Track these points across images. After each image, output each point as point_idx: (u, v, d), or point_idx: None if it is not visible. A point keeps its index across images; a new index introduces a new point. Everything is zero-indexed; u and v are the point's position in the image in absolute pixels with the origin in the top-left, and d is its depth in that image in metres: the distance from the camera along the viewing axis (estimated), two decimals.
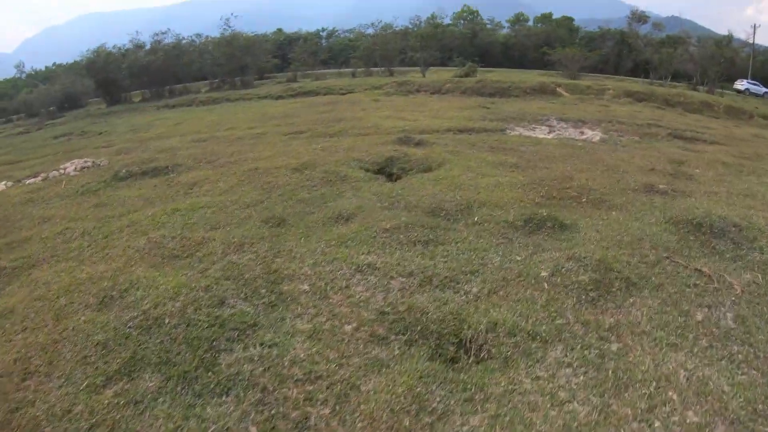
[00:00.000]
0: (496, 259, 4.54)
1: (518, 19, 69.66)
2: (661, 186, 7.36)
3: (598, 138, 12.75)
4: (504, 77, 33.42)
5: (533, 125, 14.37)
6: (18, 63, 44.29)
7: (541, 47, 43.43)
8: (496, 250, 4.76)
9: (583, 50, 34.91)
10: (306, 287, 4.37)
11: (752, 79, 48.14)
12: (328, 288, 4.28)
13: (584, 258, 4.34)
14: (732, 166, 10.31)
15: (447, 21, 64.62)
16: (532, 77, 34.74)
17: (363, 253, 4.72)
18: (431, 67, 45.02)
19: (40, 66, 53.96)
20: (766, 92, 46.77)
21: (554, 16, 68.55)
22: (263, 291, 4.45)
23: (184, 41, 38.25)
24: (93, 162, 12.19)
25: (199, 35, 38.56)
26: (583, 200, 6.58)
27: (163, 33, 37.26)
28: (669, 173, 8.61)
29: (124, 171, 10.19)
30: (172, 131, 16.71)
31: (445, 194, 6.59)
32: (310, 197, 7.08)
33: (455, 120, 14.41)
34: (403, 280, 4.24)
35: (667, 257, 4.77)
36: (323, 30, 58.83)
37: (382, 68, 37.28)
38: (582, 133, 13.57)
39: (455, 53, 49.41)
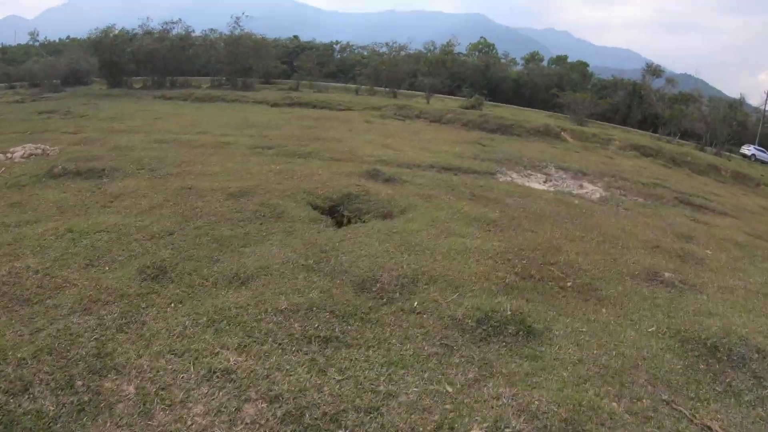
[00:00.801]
0: (415, 387, 3.07)
1: (533, 58, 69.12)
2: (666, 274, 5.96)
3: (598, 195, 11.38)
4: (510, 114, 32.36)
5: (529, 171, 13.03)
6: (32, 31, 43.30)
7: (552, 88, 42.43)
8: (422, 368, 3.30)
9: (593, 96, 33.78)
10: (132, 390, 2.95)
11: (759, 146, 47.33)
12: (157, 399, 2.85)
13: (544, 415, 2.86)
14: (746, 248, 8.95)
15: (462, 50, 64.23)
16: (539, 118, 33.65)
17: (228, 348, 3.27)
18: (439, 95, 44.02)
19: (57, 37, 52.95)
20: None
21: (569, 60, 68.19)
22: (79, 383, 3.10)
23: (194, 34, 36.92)
24: (43, 150, 10.99)
25: (213, 30, 37.34)
26: (568, 285, 5.18)
27: (173, 22, 36.08)
28: (676, 253, 7.20)
29: (60, 167, 8.96)
30: (146, 126, 15.47)
31: (390, 257, 5.17)
32: (229, 236, 5.68)
33: (443, 155, 13.08)
34: (263, 406, 2.80)
35: (668, 402, 3.32)
36: (337, 43, 58.06)
37: (387, 89, 36.13)
38: (581, 186, 12.22)
39: (466, 84, 48.53)
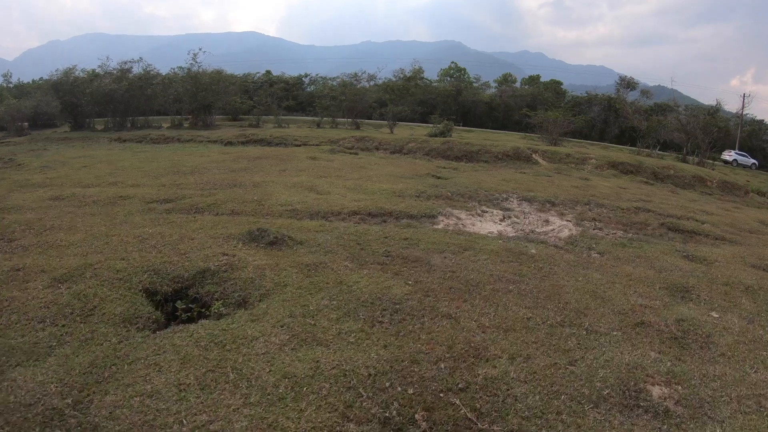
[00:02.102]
0: None
1: (505, 80, 68.29)
2: (655, 391, 3.70)
3: (566, 233, 9.17)
4: (481, 138, 30.55)
5: (484, 207, 10.83)
6: (6, 72, 42.54)
7: (525, 109, 40.93)
8: None
9: (566, 114, 32.05)
10: None
11: (739, 150, 46.24)
12: None
13: None
14: (758, 294, 6.80)
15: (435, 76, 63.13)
16: (511, 140, 31.89)
17: None
18: (410, 123, 42.39)
19: (34, 78, 51.85)
20: (753, 163, 44.82)
21: (543, 79, 67.32)
22: None
23: (152, 72, 35.63)
24: None
25: (182, 68, 35.69)
26: None
27: (133, 62, 34.89)
28: (671, 334, 4.97)
29: None
30: (63, 178, 13.46)
31: (178, 403, 2.88)
32: (13, 347, 3.59)
33: (378, 196, 10.88)
34: None
35: None
36: (306, 75, 56.61)
37: (349, 120, 34.31)
38: (547, 222, 10.01)
39: (438, 110, 47.08)
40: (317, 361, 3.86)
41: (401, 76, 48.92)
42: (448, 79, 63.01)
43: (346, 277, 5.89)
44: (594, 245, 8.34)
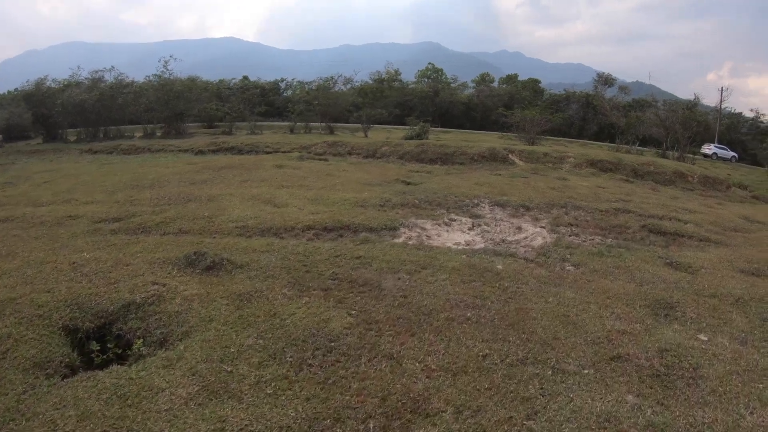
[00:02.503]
0: None
1: (483, 80, 67.87)
2: None
3: (539, 242, 8.41)
4: (459, 139, 29.93)
5: (452, 215, 10.05)
6: None
7: (501, 108, 40.37)
8: None
9: (543, 112, 31.46)
10: None
11: (719, 143, 46.24)
12: None
13: None
14: (749, 306, 6.14)
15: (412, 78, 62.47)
16: (489, 140, 31.30)
17: None
18: (387, 126, 41.63)
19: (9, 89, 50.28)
20: (733, 156, 44.80)
21: (521, 78, 67.01)
22: None
23: (124, 81, 34.68)
24: None
25: (158, 75, 34.57)
26: None
27: (104, 70, 33.92)
28: (653, 370, 4.20)
29: None
30: (20, 195, 12.65)
31: None
32: None
33: (339, 207, 10.09)
34: None
35: None
36: (282, 80, 55.57)
37: (323, 124, 33.43)
38: (519, 230, 9.26)
39: (416, 112, 46.40)
40: (223, 421, 3.16)
41: (377, 78, 48.18)
42: (426, 80, 62.39)
43: (281, 308, 5.08)
44: (569, 255, 7.57)
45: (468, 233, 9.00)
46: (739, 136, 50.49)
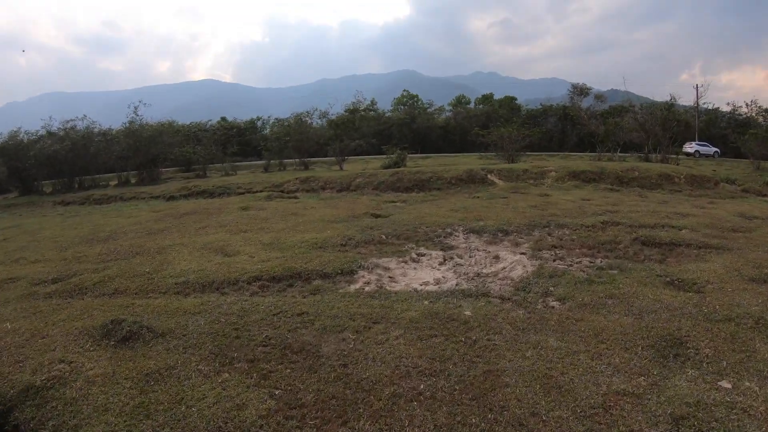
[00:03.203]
0: None
1: (459, 102, 67.68)
2: None
3: (519, 272, 7.30)
4: (435, 164, 29.06)
5: (422, 249, 8.95)
6: None
7: (481, 128, 39.71)
8: None
9: (521, 129, 30.68)
10: None
11: (699, 141, 45.82)
12: None
13: None
14: None
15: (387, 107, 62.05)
16: (467, 162, 30.47)
17: None
18: (365, 156, 40.81)
19: None
20: (716, 151, 44.30)
21: (497, 97, 66.86)
22: None
23: (96, 130, 33.90)
24: None
25: (132, 121, 33.72)
26: None
27: (78, 119, 32.98)
28: None
29: None
30: None
31: None
32: None
33: (294, 252, 9.01)
34: None
35: None
36: (258, 118, 54.79)
37: (297, 160, 32.49)
38: (496, 259, 8.15)
39: (394, 140, 45.68)
40: None
41: (348, 109, 47.47)
42: (402, 107, 62.08)
43: (191, 390, 3.96)
44: (552, 288, 6.45)
45: (438, 269, 7.89)
46: (719, 130, 50.14)
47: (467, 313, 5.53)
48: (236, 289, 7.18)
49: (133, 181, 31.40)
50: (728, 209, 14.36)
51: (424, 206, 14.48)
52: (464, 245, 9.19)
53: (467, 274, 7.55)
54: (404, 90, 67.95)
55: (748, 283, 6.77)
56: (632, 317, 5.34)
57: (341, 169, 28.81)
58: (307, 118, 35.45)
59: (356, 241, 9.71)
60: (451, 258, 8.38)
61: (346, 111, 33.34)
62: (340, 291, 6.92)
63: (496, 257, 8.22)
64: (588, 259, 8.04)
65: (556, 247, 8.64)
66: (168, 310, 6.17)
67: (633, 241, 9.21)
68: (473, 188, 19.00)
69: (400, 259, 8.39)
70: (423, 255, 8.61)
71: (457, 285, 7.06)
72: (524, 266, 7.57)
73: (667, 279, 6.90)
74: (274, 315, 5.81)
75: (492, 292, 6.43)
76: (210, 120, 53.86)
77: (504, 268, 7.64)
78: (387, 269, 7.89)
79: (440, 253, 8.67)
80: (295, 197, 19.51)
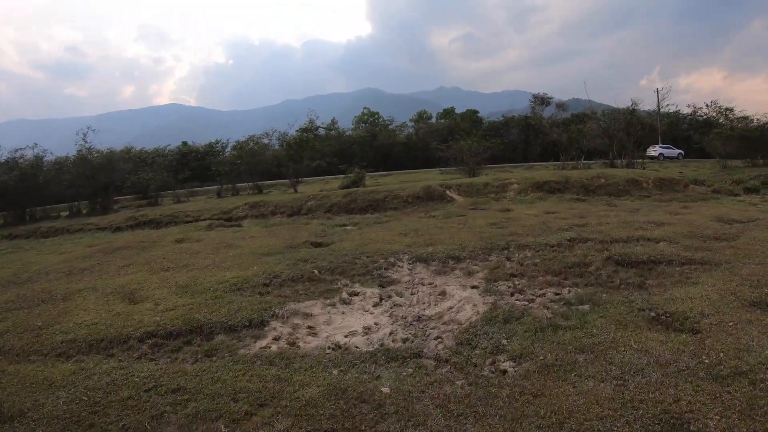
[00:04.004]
0: None
1: (421, 117, 66.94)
2: None
3: (467, 314, 5.79)
4: (395, 181, 27.70)
5: (356, 287, 7.40)
6: None
7: (434, 143, 38.61)
8: None
9: (481, 141, 29.53)
10: None
11: (663, 143, 45.76)
12: None
13: None
14: None
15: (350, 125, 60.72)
16: (428, 178, 29.25)
17: None
18: (325, 176, 39.30)
19: None
20: (680, 153, 44.21)
21: (459, 111, 66.27)
22: None
23: (47, 158, 31.87)
24: None
25: (90, 149, 31.58)
26: None
27: (23, 148, 30.74)
28: None
29: None
30: None
31: None
32: None
33: (207, 296, 7.51)
34: None
35: None
36: (217, 142, 52.74)
37: (250, 184, 30.76)
38: (443, 296, 6.63)
39: (356, 158, 44.31)
40: None
41: (301, 128, 45.78)
42: (363, 125, 60.97)
43: None
44: (506, 339, 4.93)
45: (372, 312, 6.32)
46: (681, 132, 50.31)
47: (385, 389, 3.96)
48: (125, 349, 5.68)
49: (84, 211, 29.55)
50: (704, 213, 13.24)
51: (373, 230, 12.94)
52: (408, 278, 7.66)
53: (405, 317, 6.01)
54: (365, 107, 66.95)
55: (750, 310, 5.41)
56: (612, 384, 3.84)
57: (295, 191, 27.17)
58: (265, 140, 33.77)
59: (282, 279, 8.11)
60: (389, 296, 6.83)
61: (298, 131, 31.66)
62: (240, 352, 5.35)
63: (443, 293, 6.69)
64: (553, 289, 6.57)
65: (515, 276, 7.17)
66: (35, 382, 4.87)
67: (605, 261, 7.82)
68: (431, 206, 17.59)
69: (328, 302, 6.80)
70: (356, 294, 7.04)
71: (390, 334, 5.53)
72: (474, 305, 6.05)
73: (652, 314, 5.47)
74: (146, 391, 4.28)
75: (427, 350, 4.87)
76: (169, 145, 51.78)
77: (450, 308, 6.11)
78: (308, 316, 6.30)
79: (377, 291, 7.11)
80: (239, 225, 17.80)
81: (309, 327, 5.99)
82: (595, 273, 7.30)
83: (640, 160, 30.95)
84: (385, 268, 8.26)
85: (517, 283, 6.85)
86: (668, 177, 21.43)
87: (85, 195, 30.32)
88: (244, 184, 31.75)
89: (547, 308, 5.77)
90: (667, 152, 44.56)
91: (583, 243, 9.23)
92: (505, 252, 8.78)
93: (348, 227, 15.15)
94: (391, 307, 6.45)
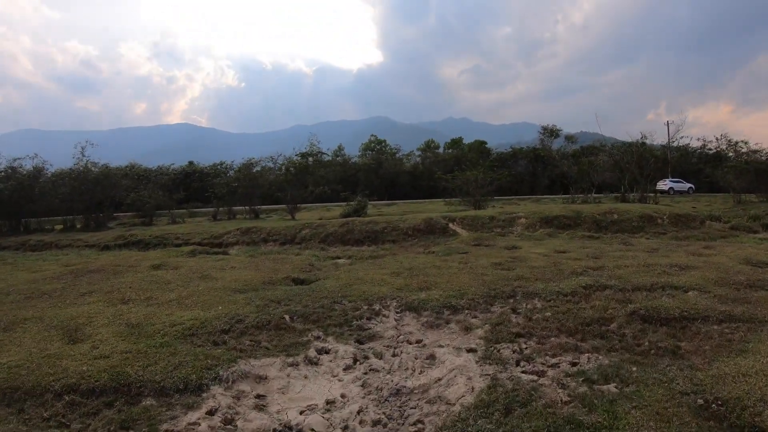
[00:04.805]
0: None
1: (428, 147, 66.15)
2: None
3: (459, 392, 4.52)
4: (399, 211, 26.63)
5: (329, 341, 6.16)
6: None
7: (438, 173, 37.54)
8: None
9: (487, 172, 28.36)
10: None
11: (673, 177, 44.61)
12: None
13: None
14: None
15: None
16: (434, 208, 28.12)
17: None
18: (327, 204, 38.30)
19: None
20: (690, 187, 43.03)
21: (467, 141, 65.41)
22: None
23: (44, 171, 31.15)
24: None
25: (97, 163, 31.24)
26: None
27: (22, 158, 30.38)
28: None
29: None
30: None
31: None
32: None
33: (152, 341, 6.37)
34: None
35: None
36: (221, 163, 52.00)
37: (247, 208, 29.71)
38: (431, 361, 5.38)
39: (360, 186, 43.39)
40: None
41: (302, 153, 44.94)
42: (369, 152, 60.24)
43: None
44: None
45: (341, 379, 5.06)
46: (690, 166, 49.17)
47: None
48: (38, 404, 4.69)
49: (79, 226, 28.85)
50: (729, 255, 11.93)
51: (364, 267, 11.69)
52: (392, 332, 6.38)
53: (381, 389, 4.74)
54: (372, 135, 66.30)
55: None
56: None
57: (293, 218, 26.02)
58: (270, 164, 32.81)
59: (245, 326, 6.86)
60: (366, 357, 5.56)
61: (298, 155, 30.69)
62: (161, 428, 4.10)
63: (432, 357, 5.41)
64: (569, 356, 5.27)
65: (521, 336, 5.87)
66: None
67: (629, 316, 6.52)
68: (432, 240, 16.36)
69: (290, 361, 5.54)
70: (326, 352, 5.77)
71: (359, 413, 4.30)
72: (469, 378, 4.76)
73: (699, 400, 4.17)
74: None
75: None
76: (173, 163, 51.21)
77: (439, 379, 4.83)
78: (260, 380, 5.04)
79: (351, 349, 5.84)
80: (225, 253, 16.61)
81: (258, 396, 4.73)
82: (618, 332, 6.01)
83: (652, 194, 29.67)
84: (367, 318, 6.99)
85: (524, 346, 5.56)
86: (684, 213, 20.13)
87: (80, 210, 29.63)
88: (241, 207, 30.73)
89: (563, 387, 4.47)
90: (678, 186, 43.34)
91: (601, 291, 7.94)
92: (511, 301, 7.50)
93: (341, 260, 13.98)
94: (365, 373, 5.18)
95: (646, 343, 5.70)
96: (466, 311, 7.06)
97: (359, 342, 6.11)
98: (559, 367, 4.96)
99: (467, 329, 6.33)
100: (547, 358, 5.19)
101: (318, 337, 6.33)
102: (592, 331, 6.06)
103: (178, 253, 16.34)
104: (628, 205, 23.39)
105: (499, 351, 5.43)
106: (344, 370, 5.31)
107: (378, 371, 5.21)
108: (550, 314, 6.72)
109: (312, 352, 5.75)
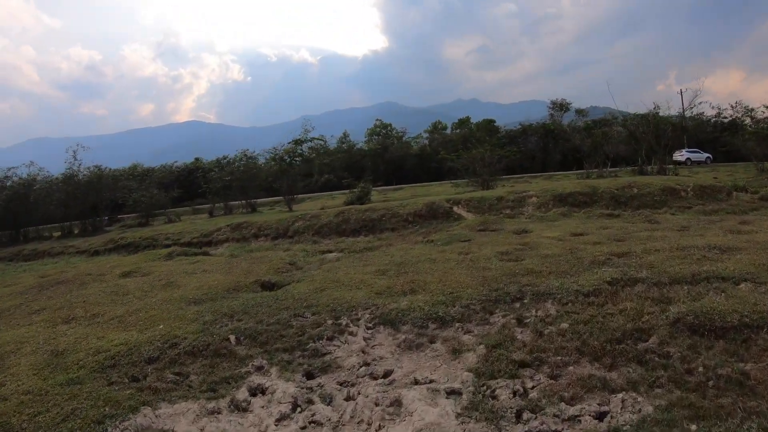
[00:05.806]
0: None
1: (435, 128, 64.16)
2: None
3: None
4: (406, 195, 25.19)
5: (269, 376, 4.62)
6: None
7: (442, 152, 35.77)
8: None
9: (494, 149, 26.43)
10: None
11: (689, 147, 42.48)
12: None
13: None
14: None
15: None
16: (442, 191, 26.52)
17: None
18: (332, 192, 36.88)
19: None
20: (708, 157, 41.00)
21: (476, 120, 63.25)
22: None
23: (38, 177, 30.63)
24: None
25: (93, 167, 30.26)
26: None
27: (24, 165, 29.98)
28: None
29: None
30: None
31: None
32: None
33: (64, 377, 5.07)
34: None
35: None
36: (225, 158, 50.79)
37: (243, 202, 28.32)
38: (395, 411, 3.81)
39: (367, 172, 41.85)
40: None
41: (296, 140, 43.20)
42: (375, 137, 58.49)
43: None
44: None
45: None
46: (706, 135, 46.81)
47: None
48: None
49: (76, 231, 28.12)
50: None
51: (348, 263, 10.15)
52: (355, 359, 4.82)
53: None
54: (377, 119, 64.40)
55: None
56: None
57: (290, 209, 24.53)
58: (271, 155, 31.30)
59: (178, 351, 5.40)
60: (309, 402, 4.01)
61: (290, 142, 29.05)
62: None
63: (397, 403, 3.83)
64: (596, 399, 3.66)
65: (527, 366, 4.26)
66: None
67: (672, 326, 4.89)
68: (434, 226, 14.77)
69: (210, 407, 4.02)
70: (263, 391, 4.25)
71: None
72: None
73: None
74: None
75: None
76: (176, 161, 50.11)
77: None
78: None
79: (293, 389, 4.28)
80: (206, 253, 15.16)
81: None
82: (660, 353, 4.39)
83: (671, 166, 27.70)
84: (328, 338, 5.42)
85: (529, 384, 3.94)
86: (708, 184, 18.26)
87: (74, 215, 28.83)
88: (238, 202, 29.35)
89: None
90: (695, 156, 41.22)
91: (631, 287, 6.29)
92: (517, 306, 5.88)
93: (331, 254, 12.54)
94: (303, 427, 3.62)
95: (701, 369, 4.09)
96: (457, 324, 5.47)
97: (308, 375, 4.56)
98: (580, 423, 3.35)
99: (455, 352, 4.74)
100: (563, 405, 3.57)
101: (260, 368, 4.80)
102: (625, 351, 4.44)
103: (155, 256, 14.96)
104: (648, 177, 21.46)
105: (493, 393, 3.82)
106: (276, 422, 3.77)
107: (321, 426, 3.65)
108: (566, 326, 5.10)
109: (242, 393, 4.23)
